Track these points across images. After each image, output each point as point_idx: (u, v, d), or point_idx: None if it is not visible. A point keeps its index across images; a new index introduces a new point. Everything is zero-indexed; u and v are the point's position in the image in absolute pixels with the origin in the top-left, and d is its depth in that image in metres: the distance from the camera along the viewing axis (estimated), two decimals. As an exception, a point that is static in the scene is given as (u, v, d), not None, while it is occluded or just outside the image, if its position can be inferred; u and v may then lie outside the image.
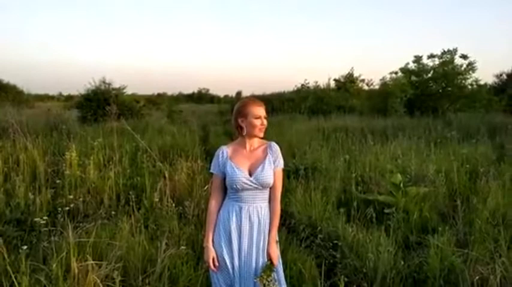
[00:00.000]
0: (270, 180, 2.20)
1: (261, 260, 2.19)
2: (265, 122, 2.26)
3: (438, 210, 4.55)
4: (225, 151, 2.25)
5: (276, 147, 2.31)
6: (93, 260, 2.78)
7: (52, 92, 43.86)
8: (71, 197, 4.81)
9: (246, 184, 2.17)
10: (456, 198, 4.54)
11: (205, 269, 3.22)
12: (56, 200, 4.94)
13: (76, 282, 2.51)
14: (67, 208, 4.34)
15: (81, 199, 4.83)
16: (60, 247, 2.88)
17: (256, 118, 2.22)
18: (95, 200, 5.01)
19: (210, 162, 2.24)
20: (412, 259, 3.44)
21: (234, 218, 2.19)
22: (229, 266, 2.18)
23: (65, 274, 2.58)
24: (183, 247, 3.13)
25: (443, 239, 3.45)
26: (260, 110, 2.25)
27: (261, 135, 2.28)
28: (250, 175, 2.19)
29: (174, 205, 4.49)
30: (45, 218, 3.89)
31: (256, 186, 2.19)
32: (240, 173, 2.18)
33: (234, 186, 2.17)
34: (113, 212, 4.41)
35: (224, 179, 2.22)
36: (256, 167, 2.21)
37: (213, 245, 2.20)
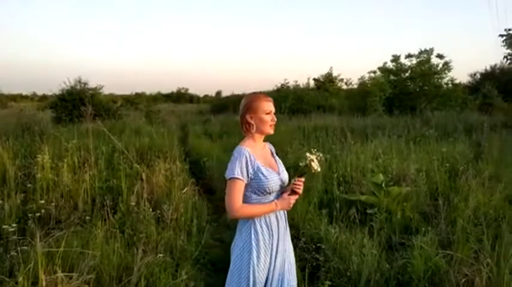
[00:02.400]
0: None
1: (290, 260, 2.15)
2: (275, 117, 2.11)
3: (420, 209, 4.53)
4: (250, 152, 2.01)
5: (272, 146, 2.26)
6: (65, 271, 2.62)
7: (26, 91, 42.62)
8: (43, 202, 4.58)
9: (279, 185, 2.07)
10: (438, 197, 4.53)
11: (187, 277, 3.10)
12: (27, 206, 4.69)
13: (45, 296, 2.34)
14: (38, 214, 4.14)
15: (53, 204, 4.59)
16: (28, 257, 2.68)
17: (267, 114, 2.07)
18: (68, 205, 4.80)
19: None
20: (396, 260, 3.40)
21: (274, 228, 2.05)
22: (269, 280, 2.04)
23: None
24: (160, 255, 2.97)
25: (427, 240, 3.41)
26: (270, 105, 2.10)
27: (272, 131, 2.11)
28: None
29: (151, 208, 4.33)
30: (14, 225, 3.69)
31: (283, 187, 2.10)
32: (276, 176, 2.05)
33: (268, 189, 2.00)
34: (88, 217, 4.21)
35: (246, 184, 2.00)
36: (278, 167, 2.13)
37: (255, 264, 1.98)
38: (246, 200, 2.01)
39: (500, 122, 11.38)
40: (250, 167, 1.98)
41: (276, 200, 2.04)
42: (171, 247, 3.71)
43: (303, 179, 2.09)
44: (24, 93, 41.40)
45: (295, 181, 2.08)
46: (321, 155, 2.11)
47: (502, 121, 11.49)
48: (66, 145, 6.70)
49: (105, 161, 6.45)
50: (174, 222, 4.23)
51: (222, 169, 6.72)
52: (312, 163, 2.03)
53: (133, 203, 4.46)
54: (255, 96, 2.13)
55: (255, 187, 2.00)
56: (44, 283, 2.29)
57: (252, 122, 2.08)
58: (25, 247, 3.11)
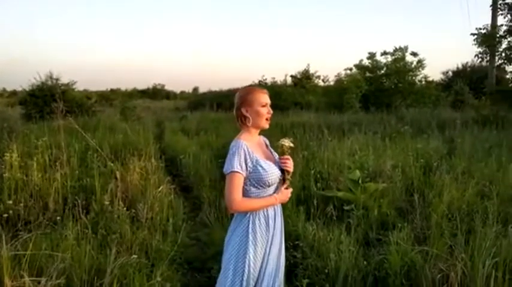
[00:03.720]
0: None
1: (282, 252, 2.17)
2: (271, 110, 2.10)
3: (396, 205, 4.58)
4: (247, 146, 2.00)
5: (267, 139, 2.26)
6: (33, 275, 2.50)
7: (-7, 88, 41.13)
8: (11, 202, 4.39)
9: (277, 177, 2.06)
10: (413, 193, 4.59)
11: (163, 278, 3.02)
12: (-6, 206, 4.49)
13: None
14: (6, 215, 3.96)
15: (22, 204, 4.41)
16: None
17: (263, 106, 2.05)
18: (38, 205, 4.62)
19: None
20: (373, 256, 3.41)
21: (270, 222, 2.05)
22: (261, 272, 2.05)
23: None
24: (134, 256, 2.88)
25: (403, 235, 3.44)
26: (266, 97, 2.08)
27: (267, 126, 2.09)
28: None
29: (125, 207, 4.21)
30: (-21, 227, 3.53)
31: (280, 179, 2.09)
32: (275, 168, 2.05)
33: (268, 182, 2.00)
34: (58, 218, 4.05)
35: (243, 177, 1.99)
36: (274, 160, 2.12)
37: (251, 256, 1.99)
38: (245, 193, 2.00)
39: (471, 118, 11.68)
40: (249, 160, 1.97)
41: (275, 194, 2.05)
42: (146, 247, 3.62)
43: (286, 156, 2.11)
44: (-9, 89, 39.90)
45: (280, 159, 2.12)
46: (291, 139, 2.17)
47: (474, 117, 11.78)
48: (36, 143, 6.47)
49: (77, 159, 6.25)
50: (149, 221, 4.13)
51: (198, 166, 6.69)
52: (283, 142, 2.11)
53: (107, 203, 4.33)
54: (251, 88, 2.11)
55: (255, 180, 1.99)
56: (9, 289, 2.17)
57: (248, 115, 2.05)
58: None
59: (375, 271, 3.22)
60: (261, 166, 1.98)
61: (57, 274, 2.46)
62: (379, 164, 5.63)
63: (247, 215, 2.02)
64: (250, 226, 2.01)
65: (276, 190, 2.08)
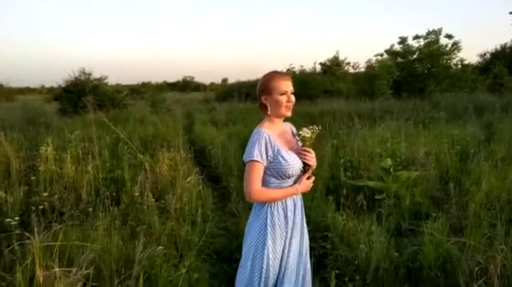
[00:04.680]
0: None
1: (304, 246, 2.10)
2: (292, 98, 1.98)
3: (430, 194, 4.40)
4: (269, 134, 1.92)
5: (294, 127, 2.15)
6: (65, 265, 2.55)
7: (35, 85, 42.77)
8: (46, 194, 4.53)
9: (299, 168, 1.98)
10: (448, 181, 4.39)
11: (191, 268, 3.03)
12: (30, 198, 4.65)
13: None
14: (41, 207, 4.08)
15: (56, 196, 4.54)
16: (29, 252, 2.62)
17: (282, 94, 1.94)
18: (71, 197, 4.74)
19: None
20: (406, 247, 3.29)
21: (289, 214, 1.98)
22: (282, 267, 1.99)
23: (30, 282, 2.34)
24: (161, 247, 2.89)
25: (437, 226, 3.29)
26: (286, 84, 1.96)
27: (289, 114, 1.99)
28: None
29: (155, 198, 4.26)
30: (16, 218, 3.64)
31: (302, 170, 2.00)
32: (296, 159, 1.95)
33: (288, 174, 1.93)
34: (91, 209, 4.15)
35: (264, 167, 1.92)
36: (298, 150, 2.01)
37: (270, 249, 1.94)
38: (264, 184, 1.94)
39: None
40: (270, 149, 1.90)
41: (297, 185, 1.98)
42: (175, 238, 3.64)
43: (307, 148, 2.00)
44: (32, 86, 41.48)
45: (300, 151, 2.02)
46: (314, 128, 2.03)
47: (514, 101, 11.20)
48: (69, 136, 6.65)
49: (109, 152, 6.39)
50: (178, 212, 4.15)
51: (226, 156, 6.68)
52: (302, 132, 1.99)
53: (137, 194, 4.40)
54: (271, 75, 1.99)
55: (275, 171, 1.92)
56: (40, 279, 2.22)
57: (267, 103, 1.97)
58: (26, 241, 3.06)
59: (407, 262, 3.11)
60: (281, 156, 1.91)
61: (87, 264, 2.50)
62: (411, 152, 5.44)
63: (265, 207, 1.96)
64: (269, 217, 1.95)
65: (297, 180, 2.00)
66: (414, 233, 3.55)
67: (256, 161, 1.88)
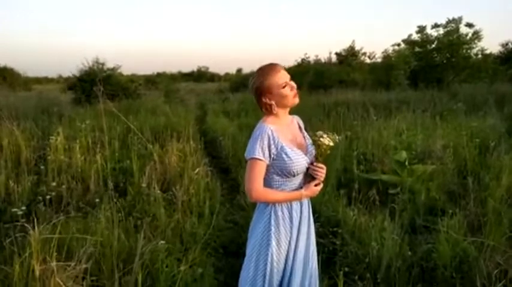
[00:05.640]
0: None
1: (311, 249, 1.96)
2: (293, 84, 1.83)
3: (447, 189, 4.22)
4: (272, 130, 1.79)
5: (301, 120, 2.02)
6: (65, 258, 2.49)
7: (52, 74, 43.35)
8: (54, 184, 4.50)
9: (305, 167, 1.85)
10: (466, 175, 4.20)
11: (195, 263, 2.94)
12: (39, 188, 4.64)
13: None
14: (48, 196, 4.05)
15: (64, 186, 4.51)
16: (28, 244, 2.56)
17: (284, 87, 1.80)
18: (79, 187, 4.70)
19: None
20: (420, 245, 3.14)
21: (294, 214, 1.86)
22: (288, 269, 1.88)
23: (29, 275, 2.28)
24: (162, 241, 2.80)
25: (454, 223, 3.13)
26: (282, 76, 1.81)
27: (297, 100, 1.84)
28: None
29: (163, 190, 4.18)
30: (23, 208, 3.61)
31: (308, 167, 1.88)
32: (302, 157, 1.83)
33: (293, 172, 1.80)
34: (97, 200, 4.09)
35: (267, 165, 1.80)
36: (305, 146, 1.89)
37: (274, 250, 1.83)
38: (268, 182, 1.82)
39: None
40: (273, 146, 1.77)
41: (302, 190, 1.85)
42: (181, 231, 3.56)
43: (320, 165, 1.85)
44: (50, 76, 42.07)
45: (311, 165, 1.86)
46: (335, 135, 1.86)
47: (537, 92, 10.79)
48: (80, 126, 6.64)
49: (119, 142, 6.35)
50: (185, 204, 4.07)
51: (237, 148, 6.58)
52: (323, 139, 1.80)
53: (145, 185, 4.33)
54: (263, 74, 1.82)
55: (278, 169, 1.80)
56: (37, 273, 2.16)
57: (272, 102, 1.82)
58: (27, 233, 3.00)
59: (421, 261, 2.96)
60: (285, 154, 1.77)
61: (89, 256, 2.43)
62: (428, 144, 5.24)
63: (269, 206, 1.85)
64: (273, 217, 1.83)
65: (303, 180, 1.87)
66: (429, 231, 3.40)
67: (258, 158, 1.76)
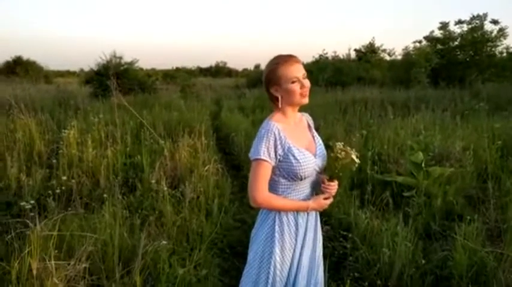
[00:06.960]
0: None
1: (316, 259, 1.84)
2: (307, 83, 1.70)
3: (465, 193, 4.03)
4: (279, 129, 1.66)
5: (310, 118, 1.91)
6: (66, 257, 2.44)
7: (74, 68, 44.00)
8: (65, 178, 4.49)
9: (314, 169, 1.74)
10: (487, 179, 4.00)
11: (199, 264, 2.87)
12: (50, 182, 4.64)
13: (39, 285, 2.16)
14: (58, 191, 4.03)
15: (74, 181, 4.49)
16: (28, 241, 2.52)
17: (294, 82, 1.67)
18: (89, 182, 4.69)
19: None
20: (434, 252, 2.99)
21: (300, 220, 1.75)
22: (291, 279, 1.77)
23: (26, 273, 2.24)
24: (164, 242, 2.73)
25: (472, 229, 2.96)
26: (295, 70, 1.67)
27: (306, 101, 1.71)
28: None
29: (172, 186, 4.12)
30: (32, 202, 3.59)
31: (319, 170, 1.77)
32: (311, 158, 1.71)
33: (300, 175, 1.68)
34: (105, 195, 4.06)
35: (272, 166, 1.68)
36: (315, 146, 1.79)
37: (277, 257, 1.72)
38: (273, 185, 1.70)
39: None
40: (279, 147, 1.65)
41: (310, 202, 1.73)
42: (187, 229, 3.49)
43: (333, 183, 1.75)
44: (72, 69, 42.73)
45: (324, 183, 1.75)
46: (355, 152, 1.73)
47: None
48: (93, 120, 6.64)
49: (131, 137, 6.33)
50: (193, 202, 3.99)
51: (250, 144, 6.47)
52: (350, 154, 1.69)
53: (154, 181, 4.28)
54: (276, 63, 1.69)
55: (285, 172, 1.67)
56: (35, 272, 2.11)
57: (278, 95, 1.70)
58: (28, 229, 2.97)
59: (436, 269, 2.81)
60: (293, 155, 1.65)
61: (87, 256, 2.37)
62: (446, 146, 5.03)
63: (274, 212, 1.73)
64: (277, 222, 1.72)
65: (312, 184, 1.76)
66: (445, 237, 3.24)
67: (263, 160, 1.63)
